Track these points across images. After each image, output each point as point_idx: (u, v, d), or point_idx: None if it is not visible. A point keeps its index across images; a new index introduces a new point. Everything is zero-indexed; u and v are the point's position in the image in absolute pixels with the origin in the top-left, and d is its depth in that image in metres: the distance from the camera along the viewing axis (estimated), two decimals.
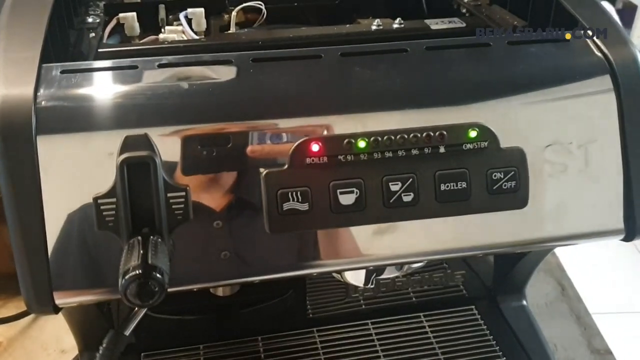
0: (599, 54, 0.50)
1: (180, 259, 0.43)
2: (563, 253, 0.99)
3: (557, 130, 0.48)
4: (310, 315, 0.71)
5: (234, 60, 0.46)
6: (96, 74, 0.44)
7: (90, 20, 0.61)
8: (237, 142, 0.44)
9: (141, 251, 0.38)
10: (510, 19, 0.61)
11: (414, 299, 0.74)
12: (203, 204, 0.43)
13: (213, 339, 0.67)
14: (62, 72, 0.44)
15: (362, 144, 0.44)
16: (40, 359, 0.79)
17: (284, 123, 0.44)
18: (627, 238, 0.50)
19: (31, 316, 0.85)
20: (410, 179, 0.45)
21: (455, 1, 0.69)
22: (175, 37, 0.61)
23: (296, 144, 0.44)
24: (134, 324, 0.52)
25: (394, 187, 0.45)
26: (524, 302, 0.74)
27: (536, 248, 0.50)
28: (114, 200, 0.41)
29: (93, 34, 0.58)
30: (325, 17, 0.74)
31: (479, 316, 0.73)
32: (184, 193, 0.42)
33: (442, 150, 0.46)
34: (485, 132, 0.46)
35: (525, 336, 0.70)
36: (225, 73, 0.46)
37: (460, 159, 0.46)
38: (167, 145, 0.42)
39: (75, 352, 0.77)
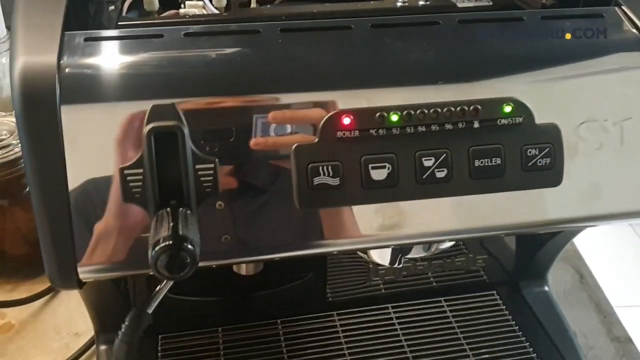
0: (634, 30, 0.48)
1: (206, 232, 0.42)
2: (580, 241, 0.97)
3: (592, 106, 0.46)
4: (330, 299, 0.70)
5: (262, 30, 0.45)
6: (120, 42, 0.43)
7: None
8: (266, 114, 0.42)
9: (171, 222, 0.37)
10: None
11: (434, 283, 0.73)
12: (230, 177, 0.42)
13: (231, 321, 0.66)
14: (86, 39, 0.42)
15: (394, 117, 0.43)
16: (54, 342, 0.78)
17: (314, 96, 0.43)
18: None
19: (43, 299, 0.84)
20: (444, 155, 0.44)
21: None
22: (197, 11, 0.60)
23: (327, 116, 0.43)
24: (156, 303, 0.51)
25: (427, 162, 0.44)
26: (546, 288, 0.73)
27: (569, 227, 0.49)
28: (140, 171, 0.40)
29: (112, 7, 0.56)
30: None
31: (500, 301, 0.71)
32: (212, 165, 0.41)
33: (476, 125, 0.44)
34: (520, 107, 0.45)
35: (549, 322, 0.69)
36: (252, 43, 0.44)
37: (495, 134, 0.45)
38: (194, 116, 0.41)
39: (89, 335, 0.77)
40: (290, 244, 0.44)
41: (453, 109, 0.44)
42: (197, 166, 0.41)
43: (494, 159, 0.44)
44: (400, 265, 0.55)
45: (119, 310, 0.60)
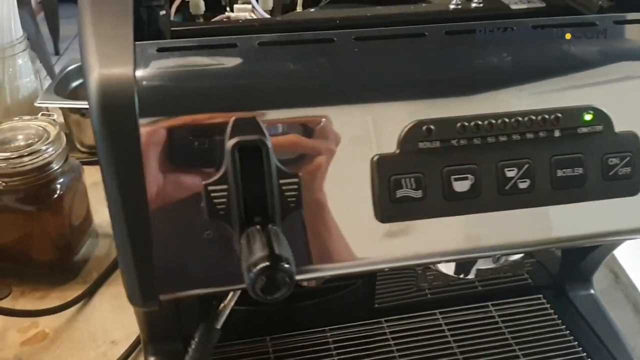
0: None
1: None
2: None
3: None
4: (377, 306, 0.69)
5: (337, 39, 0.43)
6: (195, 52, 0.41)
7: None
8: (344, 125, 0.41)
9: (265, 241, 0.36)
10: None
11: (479, 287, 0.72)
12: (312, 191, 0.41)
13: (281, 330, 0.65)
14: (159, 50, 0.41)
15: (475, 127, 0.42)
16: (90, 350, 0.76)
17: (393, 105, 0.42)
18: None
19: (76, 306, 0.82)
20: (527, 165, 0.43)
21: None
22: (248, 15, 0.59)
23: (407, 126, 0.42)
24: (224, 317, 0.50)
25: (510, 173, 0.43)
26: (592, 291, 0.73)
27: None
28: (225, 187, 0.39)
29: (163, 12, 0.55)
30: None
31: (547, 305, 0.71)
32: (296, 179, 0.40)
33: (557, 134, 0.43)
34: (600, 115, 0.44)
35: (597, 324, 0.69)
36: (328, 52, 0.43)
37: (576, 143, 0.44)
38: (275, 129, 0.40)
39: (126, 343, 0.76)
40: (370, 258, 0.43)
41: (534, 118, 0.43)
42: (282, 181, 0.39)
43: (575, 168, 0.44)
44: (473, 277, 0.55)
45: (168, 321, 0.59)
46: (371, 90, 0.42)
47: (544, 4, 0.60)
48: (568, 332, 0.67)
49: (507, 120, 0.42)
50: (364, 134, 0.42)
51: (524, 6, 0.60)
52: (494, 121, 0.42)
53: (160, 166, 0.39)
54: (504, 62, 0.44)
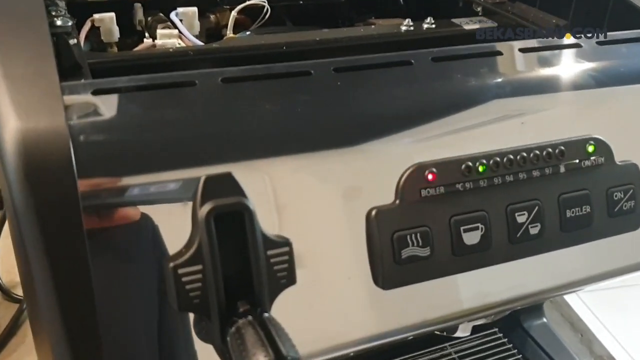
0: None
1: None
2: None
3: None
4: None
5: (314, 72, 0.36)
6: (143, 94, 0.32)
7: (59, 22, 0.47)
8: (332, 173, 0.34)
9: (265, 338, 0.27)
10: (547, 17, 0.55)
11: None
12: (303, 259, 0.33)
13: None
14: (95, 92, 0.31)
15: (481, 167, 0.36)
16: None
17: (388, 147, 0.35)
18: None
19: None
20: (537, 207, 0.38)
21: None
22: (176, 42, 0.49)
23: (407, 172, 0.35)
24: None
25: (520, 218, 0.37)
26: (544, 319, 0.70)
27: None
28: (199, 267, 0.30)
29: (74, 40, 0.44)
30: (323, 18, 0.64)
31: (505, 339, 0.67)
32: (287, 249, 0.32)
33: (562, 169, 0.39)
34: (601, 146, 0.40)
35: (555, 352, 0.66)
36: (305, 87, 0.35)
37: (581, 178, 0.39)
38: (256, 186, 0.32)
39: None
40: (373, 332, 0.36)
41: (539, 153, 0.38)
42: (270, 252, 0.31)
43: (583, 206, 0.39)
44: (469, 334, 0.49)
45: None
46: (361, 130, 0.35)
47: (495, 24, 0.56)
48: None
49: (512, 157, 0.37)
50: (355, 183, 0.34)
51: (476, 26, 0.56)
52: (499, 159, 0.37)
53: (108, 243, 0.29)
54: (502, 90, 0.39)
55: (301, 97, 0.35)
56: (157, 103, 0.32)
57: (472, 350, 0.65)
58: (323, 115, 0.35)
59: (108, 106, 0.31)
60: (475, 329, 0.68)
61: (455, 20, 0.57)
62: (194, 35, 0.53)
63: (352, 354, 0.36)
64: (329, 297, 0.34)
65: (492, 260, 0.37)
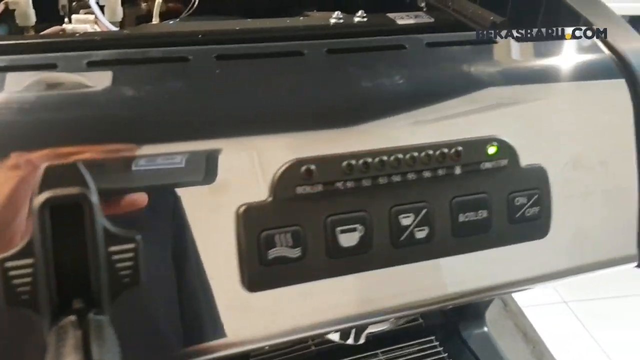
0: (613, 55, 0.43)
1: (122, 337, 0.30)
2: None
3: (575, 144, 0.41)
4: None
5: (192, 58, 0.34)
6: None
7: None
8: (200, 165, 0.32)
9: (79, 341, 0.25)
10: (485, 14, 0.53)
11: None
12: (155, 258, 0.31)
13: None
14: None
15: (364, 166, 0.34)
16: None
17: (263, 140, 0.33)
18: None
19: None
20: (424, 210, 0.35)
21: None
22: (88, 28, 0.47)
23: (282, 168, 0.33)
24: None
25: (405, 220, 0.35)
26: (485, 329, 0.68)
27: (552, 281, 0.42)
28: (30, 261, 0.28)
29: None
30: (256, 11, 0.62)
31: (440, 348, 0.65)
32: (132, 245, 0.29)
33: (457, 171, 0.36)
34: (504, 148, 0.38)
35: None
36: (181, 74, 0.33)
37: (479, 181, 0.37)
38: (106, 177, 0.30)
39: None
40: (238, 339, 0.33)
41: (432, 153, 0.36)
42: (112, 248, 0.29)
43: (479, 211, 0.37)
44: (363, 341, 0.47)
45: None
46: (236, 121, 0.33)
47: (432, 20, 0.54)
48: None
49: (401, 156, 0.35)
50: (225, 177, 0.32)
51: (412, 21, 0.54)
52: (385, 158, 0.35)
53: None
54: (396, 86, 0.36)
55: (171, 84, 0.33)
56: (8, 84, 0.30)
57: (404, 359, 0.63)
58: (199, 104, 0.33)
59: None
60: (411, 336, 0.66)
61: (390, 15, 0.54)
62: (115, 22, 0.51)
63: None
64: (185, 298, 0.32)
65: (372, 265, 0.35)
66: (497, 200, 0.37)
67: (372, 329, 0.46)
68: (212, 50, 0.34)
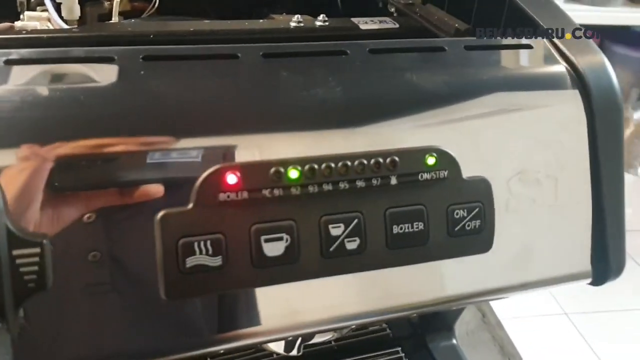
0: (566, 64, 0.42)
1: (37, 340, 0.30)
2: None
3: (524, 156, 0.39)
4: None
5: (117, 57, 0.33)
6: None
7: None
8: (119, 169, 0.31)
9: None
10: (450, 21, 0.52)
11: (332, 342, 0.63)
12: (67, 263, 0.30)
13: None
14: None
15: (293, 173, 0.33)
16: None
17: (187, 144, 0.32)
18: (596, 282, 0.43)
19: None
20: (356, 220, 0.34)
21: None
22: (38, 25, 0.47)
23: (205, 174, 0.32)
24: None
25: (335, 230, 0.34)
26: (454, 341, 0.66)
27: (497, 297, 0.41)
28: None
29: None
30: (225, 12, 0.62)
31: (406, 359, 0.64)
32: (38, 249, 0.29)
33: (393, 181, 0.35)
34: (445, 159, 0.37)
35: None
36: (105, 74, 0.33)
37: (416, 193, 0.36)
38: (15, 176, 0.29)
39: None
40: (157, 346, 0.33)
41: (366, 162, 0.35)
42: (15, 252, 0.28)
43: (415, 223, 0.36)
44: (300, 354, 0.46)
45: None
46: (156, 124, 0.32)
47: (397, 25, 0.53)
48: None
49: (332, 165, 0.34)
50: (148, 181, 0.32)
51: (375, 26, 0.53)
52: (316, 166, 0.34)
53: None
54: (331, 93, 0.35)
55: (98, 85, 0.32)
56: None
57: None
58: (126, 103, 0.32)
59: None
60: (377, 346, 0.65)
61: (355, 20, 0.54)
62: (72, 21, 0.51)
63: None
64: (106, 303, 0.31)
65: (300, 275, 0.34)
66: (435, 213, 0.36)
67: (316, 340, 0.45)
68: (140, 50, 0.33)
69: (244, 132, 0.33)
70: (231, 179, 0.32)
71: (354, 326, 0.47)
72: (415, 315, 0.42)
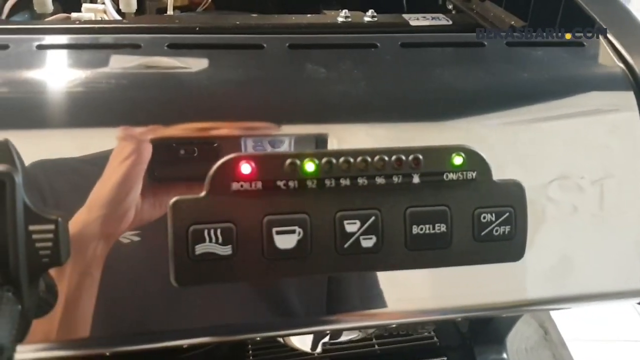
0: (621, 64, 0.39)
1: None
2: None
3: (566, 160, 0.37)
4: None
5: (144, 45, 0.34)
6: None
7: None
8: (136, 155, 0.32)
9: None
10: (507, 18, 0.50)
11: (376, 346, 0.62)
12: (82, 242, 0.31)
13: None
14: None
15: (310, 166, 0.33)
16: None
17: (202, 132, 0.33)
18: None
19: None
20: (373, 218, 0.33)
21: None
22: (94, 16, 0.49)
23: (219, 163, 0.32)
24: None
25: (351, 227, 0.33)
26: (505, 355, 0.63)
27: (531, 310, 0.39)
28: None
29: None
30: (285, 7, 0.62)
31: None
32: (53, 226, 0.30)
33: (415, 180, 0.34)
34: (474, 159, 0.35)
35: None
36: (129, 61, 0.34)
37: (440, 193, 0.34)
38: (35, 157, 0.30)
39: None
40: (163, 333, 0.33)
41: (387, 158, 0.34)
42: (32, 227, 0.29)
43: (437, 225, 0.34)
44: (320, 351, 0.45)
45: None
46: (173, 111, 0.33)
47: (450, 22, 0.52)
48: None
49: (351, 159, 0.33)
50: (163, 169, 0.32)
51: (426, 23, 0.51)
52: (334, 160, 0.33)
53: None
54: (355, 86, 0.35)
55: (115, 72, 0.33)
56: None
57: None
58: (134, 91, 0.33)
59: None
60: (420, 353, 0.63)
61: (405, 16, 0.52)
62: (128, 14, 0.52)
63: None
64: (117, 284, 0.32)
65: (312, 269, 0.33)
66: (460, 215, 0.35)
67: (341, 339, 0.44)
68: (166, 39, 0.34)
69: (260, 123, 0.33)
70: (246, 168, 0.32)
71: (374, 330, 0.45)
72: (459, 319, 0.40)
